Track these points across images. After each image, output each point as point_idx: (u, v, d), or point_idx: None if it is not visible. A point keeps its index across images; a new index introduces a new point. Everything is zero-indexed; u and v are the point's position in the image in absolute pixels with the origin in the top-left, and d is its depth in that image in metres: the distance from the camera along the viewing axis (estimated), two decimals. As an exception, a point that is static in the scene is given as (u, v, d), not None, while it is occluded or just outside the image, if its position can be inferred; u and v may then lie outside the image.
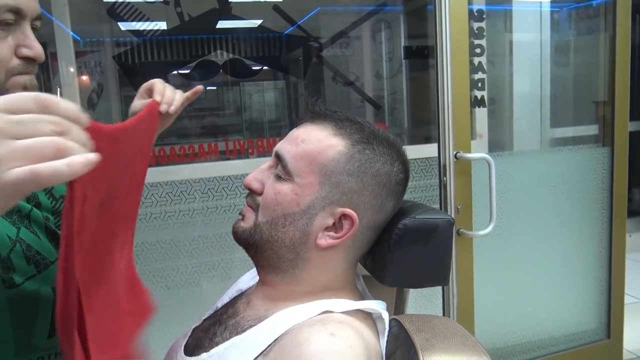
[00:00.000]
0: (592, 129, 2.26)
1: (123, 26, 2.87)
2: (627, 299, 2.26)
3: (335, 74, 3.47)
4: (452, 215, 1.80)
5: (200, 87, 0.93)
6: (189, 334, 0.82)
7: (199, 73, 3.13)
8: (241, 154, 2.08)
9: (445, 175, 1.79)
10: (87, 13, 2.94)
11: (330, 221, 0.72)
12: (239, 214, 0.78)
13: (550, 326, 2.15)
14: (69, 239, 0.50)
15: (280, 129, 3.97)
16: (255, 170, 0.77)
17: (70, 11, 1.92)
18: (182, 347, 0.79)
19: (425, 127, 2.90)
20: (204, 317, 0.84)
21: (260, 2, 3.13)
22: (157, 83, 0.92)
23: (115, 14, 2.74)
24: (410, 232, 0.76)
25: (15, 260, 0.73)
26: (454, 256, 1.84)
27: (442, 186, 1.81)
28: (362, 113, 3.53)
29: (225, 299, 0.87)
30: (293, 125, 0.81)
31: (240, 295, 0.85)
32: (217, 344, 0.73)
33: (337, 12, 3.54)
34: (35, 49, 0.76)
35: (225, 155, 2.13)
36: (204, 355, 0.73)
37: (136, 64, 2.88)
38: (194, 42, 3.02)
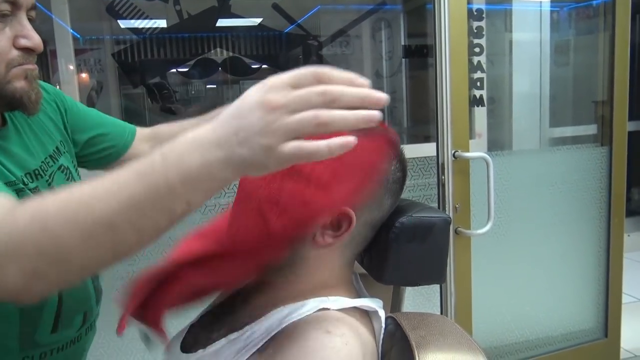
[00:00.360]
0: (591, 129, 2.26)
1: (122, 24, 2.87)
2: (624, 298, 2.26)
3: (334, 73, 3.47)
4: (450, 214, 1.81)
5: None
6: (186, 331, 0.82)
7: (198, 71, 3.14)
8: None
9: (443, 174, 1.79)
10: (87, 11, 2.94)
11: (327, 219, 0.72)
12: None
13: (548, 325, 2.15)
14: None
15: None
16: None
17: (70, 9, 1.93)
18: (179, 344, 0.79)
19: (425, 126, 2.90)
20: (201, 314, 0.84)
21: (259, 0, 3.14)
22: None
23: (115, 11, 2.74)
24: (407, 231, 0.76)
25: None
26: (452, 255, 1.84)
27: (441, 185, 1.81)
28: (362, 112, 3.52)
29: (222, 295, 0.87)
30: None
31: (237, 292, 0.85)
32: (213, 341, 0.73)
33: (337, 10, 3.54)
34: (34, 39, 0.76)
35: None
36: (200, 352, 0.73)
37: (135, 62, 2.89)
38: (194, 40, 3.02)
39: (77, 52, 2.95)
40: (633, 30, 2.11)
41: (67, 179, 0.92)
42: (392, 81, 3.57)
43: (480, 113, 2.17)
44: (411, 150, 2.05)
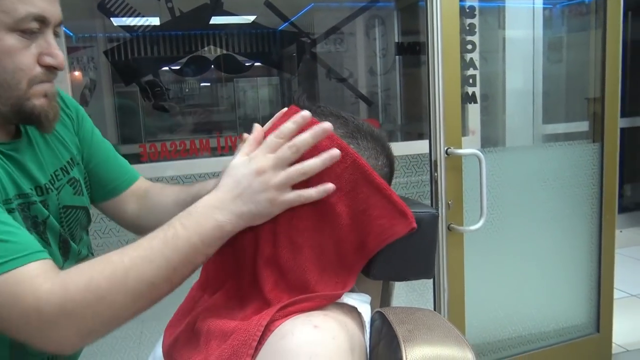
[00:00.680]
0: (583, 125, 2.27)
1: (115, 22, 2.86)
2: (616, 294, 2.27)
3: (328, 71, 3.47)
4: (443, 211, 1.81)
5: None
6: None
7: (191, 69, 3.13)
8: (233, 150, 2.08)
9: (436, 170, 1.80)
10: (80, 8, 2.93)
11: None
12: None
13: (540, 320, 2.16)
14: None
15: (274, 125, 3.96)
16: None
17: (62, 6, 1.92)
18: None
19: (419, 123, 2.91)
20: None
21: (252, -3, 3.13)
22: None
23: (106, 9, 2.73)
24: (395, 226, 0.77)
25: None
26: (444, 251, 1.85)
27: (433, 182, 1.81)
28: (356, 109, 3.53)
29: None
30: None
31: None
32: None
33: (330, 8, 3.54)
34: (59, 57, 0.77)
35: (217, 151, 2.13)
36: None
37: (127, 60, 2.88)
38: (187, 38, 3.01)
39: (70, 50, 2.94)
40: (625, 28, 2.11)
41: (75, 193, 0.92)
42: (386, 79, 3.57)
43: (474, 110, 2.18)
44: (404, 148, 2.06)
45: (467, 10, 2.01)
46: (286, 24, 3.25)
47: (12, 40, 0.72)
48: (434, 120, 1.78)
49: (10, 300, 0.61)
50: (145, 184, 1.06)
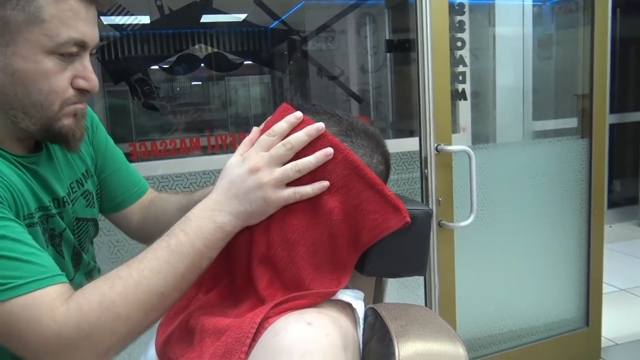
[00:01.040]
0: (572, 122, 2.29)
1: (105, 20, 2.84)
2: (605, 288, 2.30)
3: (319, 69, 3.47)
4: (434, 207, 1.82)
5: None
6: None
7: (181, 67, 3.12)
8: (223, 148, 2.08)
9: (426, 167, 1.81)
10: (68, 7, 2.90)
11: None
12: None
13: (530, 315, 2.18)
14: None
15: (266, 123, 3.96)
16: None
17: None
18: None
19: (410, 120, 2.92)
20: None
21: (243, -4, 3.12)
22: None
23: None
24: (389, 223, 0.77)
25: None
26: (435, 247, 1.86)
27: (424, 178, 1.82)
28: (348, 107, 3.53)
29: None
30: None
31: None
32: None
33: (321, 6, 3.54)
34: (92, 81, 0.76)
35: (207, 150, 2.12)
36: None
37: (117, 58, 2.86)
38: (177, 36, 3.00)
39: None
40: (613, 25, 2.13)
41: (88, 205, 0.92)
42: (377, 76, 3.58)
43: (465, 107, 2.18)
44: (395, 145, 2.06)
45: (457, 8, 2.02)
46: (277, 22, 3.25)
47: (50, 63, 0.72)
48: (424, 117, 1.79)
49: (28, 322, 0.61)
50: (152, 194, 1.07)
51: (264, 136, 0.72)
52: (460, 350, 0.66)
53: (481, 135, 2.42)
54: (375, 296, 0.95)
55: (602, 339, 2.29)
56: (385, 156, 0.78)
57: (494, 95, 2.44)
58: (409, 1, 2.15)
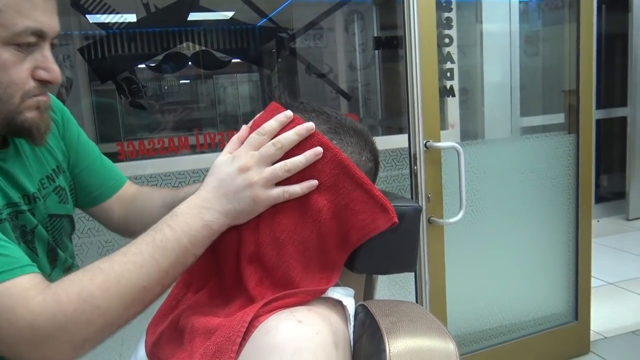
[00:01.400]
0: (559, 117, 2.31)
1: (91, 19, 2.82)
2: (594, 282, 2.32)
3: (308, 66, 3.47)
4: (423, 204, 1.83)
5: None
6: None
7: (169, 65, 3.10)
8: (212, 147, 2.07)
9: (415, 164, 1.81)
10: (54, 5, 2.87)
11: None
12: None
13: (520, 310, 2.19)
14: None
15: (254, 122, 3.95)
16: None
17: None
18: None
19: (399, 117, 2.92)
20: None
21: (229, -7, 3.11)
22: None
23: (80, 6, 2.68)
24: (378, 220, 0.77)
25: None
26: (425, 244, 1.86)
27: (413, 175, 1.83)
28: (337, 104, 3.53)
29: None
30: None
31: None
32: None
33: (309, 3, 3.53)
34: (54, 71, 0.75)
35: (196, 149, 2.11)
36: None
37: (103, 57, 2.83)
38: (164, 35, 2.98)
39: (45, 48, 2.87)
40: (598, 21, 2.15)
41: (61, 201, 0.90)
42: (366, 73, 3.58)
43: (453, 103, 2.19)
44: (384, 142, 2.07)
45: (444, 5, 2.03)
46: (265, 19, 3.24)
47: (7, 54, 0.70)
48: (412, 114, 1.80)
49: (1, 313, 0.60)
50: (133, 187, 1.05)
51: (253, 135, 0.72)
52: (450, 346, 0.66)
53: (470, 132, 2.43)
54: (366, 293, 0.95)
55: (591, 332, 2.31)
56: (374, 153, 0.78)
57: (482, 92, 2.45)
58: (397, -2, 2.15)
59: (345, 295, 0.75)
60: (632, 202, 4.28)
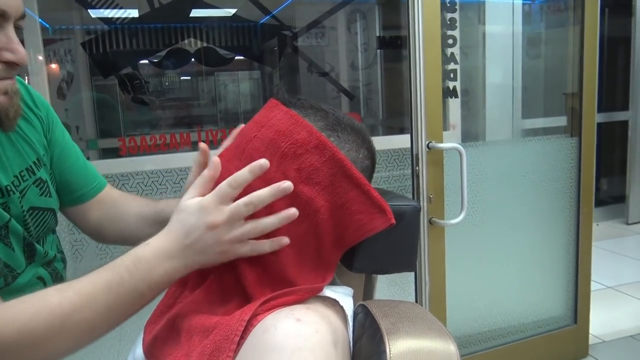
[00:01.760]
0: (561, 120, 2.30)
1: (93, 13, 2.81)
2: (593, 286, 2.32)
3: (310, 65, 3.46)
4: (425, 205, 1.82)
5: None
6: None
7: (171, 62, 3.10)
8: (214, 143, 2.07)
9: (417, 165, 1.80)
10: (56, 0, 2.87)
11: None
12: None
13: (519, 313, 2.19)
14: None
15: (255, 119, 3.95)
16: None
17: (39, -2, 1.87)
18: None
19: (400, 117, 2.92)
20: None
21: (234, -9, 3.10)
22: None
23: (84, 0, 2.68)
24: (378, 219, 0.77)
25: None
26: (425, 245, 1.86)
27: (415, 176, 1.82)
28: (338, 103, 3.53)
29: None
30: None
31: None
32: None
33: (312, 2, 3.53)
34: (19, 52, 0.72)
35: (197, 146, 2.11)
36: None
37: (106, 52, 2.83)
38: (166, 30, 2.97)
39: (46, 42, 2.88)
40: (602, 24, 2.15)
41: (42, 194, 0.89)
42: (368, 73, 3.58)
43: (455, 104, 2.19)
44: (386, 142, 2.06)
45: (448, 5, 2.02)
46: (267, 17, 3.23)
47: None
48: (415, 114, 1.79)
49: None
50: (113, 192, 1.03)
51: (224, 186, 0.69)
52: (451, 347, 0.65)
53: (471, 133, 2.43)
54: (365, 292, 0.94)
55: (590, 336, 2.31)
56: (371, 151, 0.78)
57: (484, 93, 2.45)
58: (401, -2, 2.14)
59: (344, 295, 0.75)
60: (632, 206, 4.28)
